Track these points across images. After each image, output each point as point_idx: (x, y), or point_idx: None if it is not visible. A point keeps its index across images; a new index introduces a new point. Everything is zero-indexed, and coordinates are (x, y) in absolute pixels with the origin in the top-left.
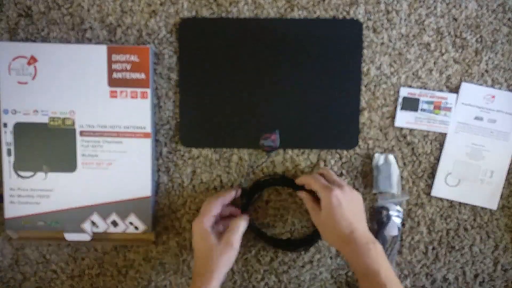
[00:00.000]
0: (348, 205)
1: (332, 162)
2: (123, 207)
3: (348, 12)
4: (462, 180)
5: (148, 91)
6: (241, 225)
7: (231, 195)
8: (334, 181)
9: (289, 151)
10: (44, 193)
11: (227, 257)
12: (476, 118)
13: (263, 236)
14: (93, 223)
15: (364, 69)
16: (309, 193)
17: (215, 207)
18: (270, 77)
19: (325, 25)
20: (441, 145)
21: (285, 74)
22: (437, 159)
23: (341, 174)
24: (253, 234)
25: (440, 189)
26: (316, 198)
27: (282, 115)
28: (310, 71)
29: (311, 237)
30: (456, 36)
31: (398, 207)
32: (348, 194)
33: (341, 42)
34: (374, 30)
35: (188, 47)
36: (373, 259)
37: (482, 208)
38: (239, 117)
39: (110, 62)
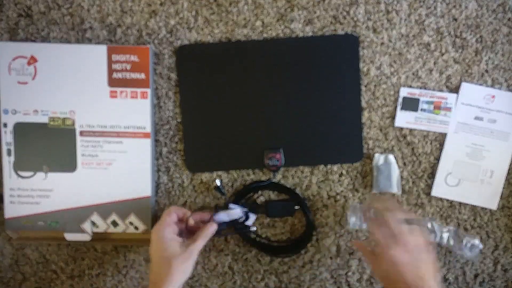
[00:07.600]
0: (411, 263)
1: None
2: (123, 207)
3: (348, 12)
4: (462, 180)
5: (148, 91)
6: (204, 235)
7: (187, 213)
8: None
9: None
10: (44, 193)
11: (183, 267)
12: (476, 118)
13: (257, 244)
14: (93, 223)
15: (364, 69)
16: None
17: (168, 216)
18: (270, 97)
19: (322, 42)
20: (441, 145)
21: (285, 92)
22: (437, 159)
23: (341, 174)
24: (248, 242)
25: (440, 189)
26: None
27: (285, 133)
28: (310, 88)
29: (298, 242)
30: (456, 36)
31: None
32: (411, 247)
33: (339, 57)
34: (374, 30)
35: (187, 73)
36: None
37: (482, 208)
38: (242, 139)
39: (110, 62)
